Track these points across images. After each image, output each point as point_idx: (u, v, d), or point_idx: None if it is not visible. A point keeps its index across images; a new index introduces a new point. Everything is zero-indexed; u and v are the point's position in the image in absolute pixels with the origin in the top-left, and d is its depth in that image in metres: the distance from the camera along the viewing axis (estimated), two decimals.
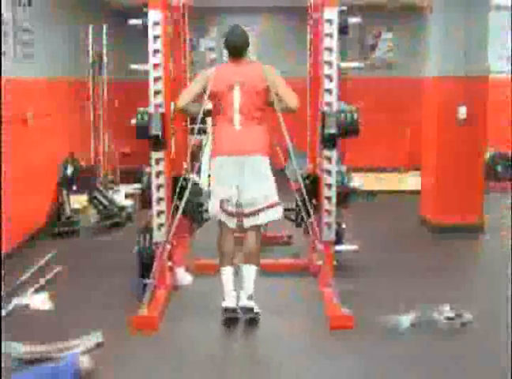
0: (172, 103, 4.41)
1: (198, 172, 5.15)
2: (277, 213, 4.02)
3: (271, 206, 3.96)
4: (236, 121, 3.93)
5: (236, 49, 4.02)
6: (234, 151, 3.91)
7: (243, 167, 3.90)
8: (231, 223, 4.00)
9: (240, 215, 3.96)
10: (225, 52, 4.08)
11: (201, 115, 4.09)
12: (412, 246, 5.81)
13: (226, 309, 3.89)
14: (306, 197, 4.32)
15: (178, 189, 4.47)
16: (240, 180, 3.91)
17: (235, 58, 4.03)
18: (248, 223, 3.96)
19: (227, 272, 4.01)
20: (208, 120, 4.26)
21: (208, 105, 4.13)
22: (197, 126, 4.31)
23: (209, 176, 4.22)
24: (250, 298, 3.87)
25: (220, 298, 4.01)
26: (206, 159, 4.81)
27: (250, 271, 3.92)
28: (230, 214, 3.96)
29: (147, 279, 4.27)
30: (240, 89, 3.92)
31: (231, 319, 3.87)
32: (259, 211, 3.93)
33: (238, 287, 4.01)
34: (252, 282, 3.91)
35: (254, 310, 3.87)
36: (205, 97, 4.01)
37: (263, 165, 3.96)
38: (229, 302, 3.92)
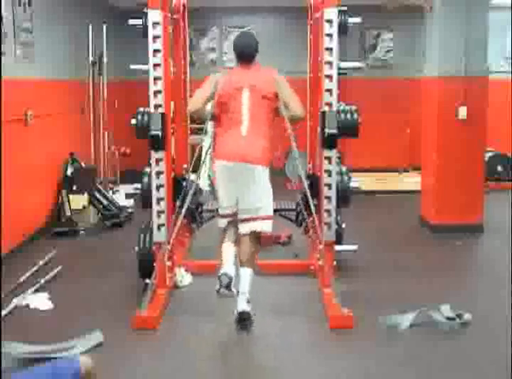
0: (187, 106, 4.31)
1: (198, 172, 5.15)
2: (268, 227, 3.99)
3: (265, 218, 3.96)
4: (244, 127, 3.89)
5: (246, 53, 4.00)
6: (237, 157, 3.87)
7: (244, 175, 3.87)
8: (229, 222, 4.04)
9: (237, 220, 3.99)
10: (234, 57, 4.04)
11: (209, 118, 4.06)
12: (412, 246, 5.81)
13: (222, 274, 3.82)
14: (309, 196, 4.29)
15: (178, 190, 4.48)
16: (239, 187, 3.91)
17: (245, 62, 4.01)
18: (243, 229, 3.96)
19: (227, 246, 4.01)
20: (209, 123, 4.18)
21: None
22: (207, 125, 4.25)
23: (209, 176, 4.22)
24: (247, 301, 3.83)
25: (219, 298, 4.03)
26: (206, 159, 4.81)
27: (245, 274, 3.90)
28: (229, 215, 4.01)
29: (147, 279, 4.27)
30: (250, 93, 3.89)
31: (225, 284, 3.82)
32: (252, 219, 3.92)
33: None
34: (248, 285, 3.87)
35: (251, 314, 3.85)
36: (213, 101, 3.98)
37: (263, 176, 3.93)
38: (227, 268, 3.85)
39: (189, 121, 5.55)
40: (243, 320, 3.82)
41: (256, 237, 4.00)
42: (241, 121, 3.90)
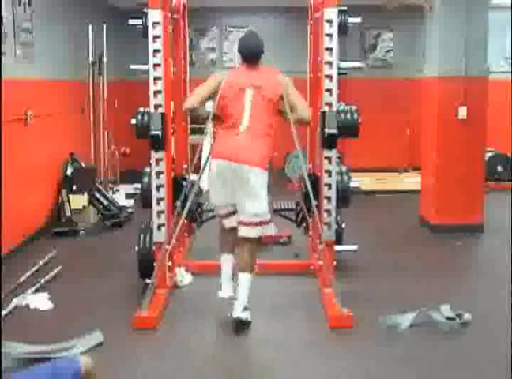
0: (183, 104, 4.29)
1: (198, 172, 5.15)
2: (270, 230, 3.98)
3: (264, 223, 3.92)
4: (243, 128, 3.81)
5: (252, 54, 3.94)
6: (234, 158, 3.79)
7: (240, 177, 3.79)
8: (228, 222, 4.03)
9: (234, 216, 3.98)
10: (238, 57, 3.98)
11: (209, 119, 3.98)
12: (412, 246, 5.81)
13: (220, 299, 3.97)
14: (305, 197, 4.29)
15: (178, 190, 4.48)
16: (236, 189, 3.84)
17: (250, 62, 3.94)
18: (242, 232, 3.92)
19: (225, 260, 4.04)
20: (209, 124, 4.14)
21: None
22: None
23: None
24: (244, 309, 3.82)
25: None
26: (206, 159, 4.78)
27: (244, 279, 3.89)
28: (225, 215, 4.01)
29: (147, 279, 4.27)
30: (254, 94, 3.82)
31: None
32: (251, 224, 3.88)
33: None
34: (246, 291, 3.86)
35: (247, 320, 3.84)
36: (215, 101, 3.92)
37: (260, 179, 3.83)
38: (225, 292, 3.96)
39: (189, 121, 5.55)
40: (238, 325, 3.82)
41: (257, 239, 3.97)
42: (241, 122, 3.83)
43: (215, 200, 3.99)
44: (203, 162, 4.28)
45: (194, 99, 3.93)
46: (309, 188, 4.19)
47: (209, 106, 4.01)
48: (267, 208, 3.94)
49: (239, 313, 3.80)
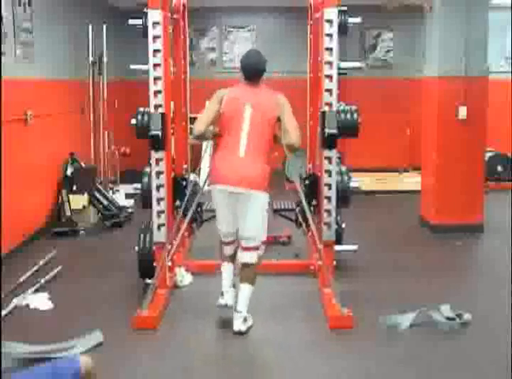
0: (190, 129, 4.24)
1: (198, 172, 5.15)
2: (252, 258, 3.90)
3: (253, 249, 3.90)
4: (242, 147, 3.81)
5: (253, 73, 3.94)
6: (234, 182, 3.79)
7: (241, 201, 3.81)
8: (230, 249, 4.04)
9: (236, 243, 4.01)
10: (240, 75, 3.97)
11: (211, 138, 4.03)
12: (412, 246, 5.81)
13: (223, 306, 3.96)
14: (305, 197, 4.29)
15: (178, 190, 4.48)
16: (238, 213, 3.86)
17: (251, 80, 3.95)
18: (242, 259, 3.93)
19: (226, 269, 4.05)
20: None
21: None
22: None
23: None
24: (244, 321, 3.82)
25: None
26: (206, 159, 4.80)
27: (244, 289, 3.89)
28: (227, 243, 4.02)
29: (148, 279, 4.27)
30: (252, 113, 3.83)
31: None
32: (249, 249, 3.89)
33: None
34: (246, 302, 3.87)
35: (246, 329, 3.83)
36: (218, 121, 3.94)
37: (260, 202, 3.85)
38: (226, 299, 3.95)
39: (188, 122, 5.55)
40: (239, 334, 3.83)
41: (253, 266, 3.94)
42: (240, 140, 3.82)
43: (221, 228, 3.99)
44: (203, 162, 4.28)
45: (201, 126, 3.90)
46: (302, 197, 4.22)
47: (211, 127, 4.00)
48: (263, 234, 3.94)
49: (239, 325, 3.80)
